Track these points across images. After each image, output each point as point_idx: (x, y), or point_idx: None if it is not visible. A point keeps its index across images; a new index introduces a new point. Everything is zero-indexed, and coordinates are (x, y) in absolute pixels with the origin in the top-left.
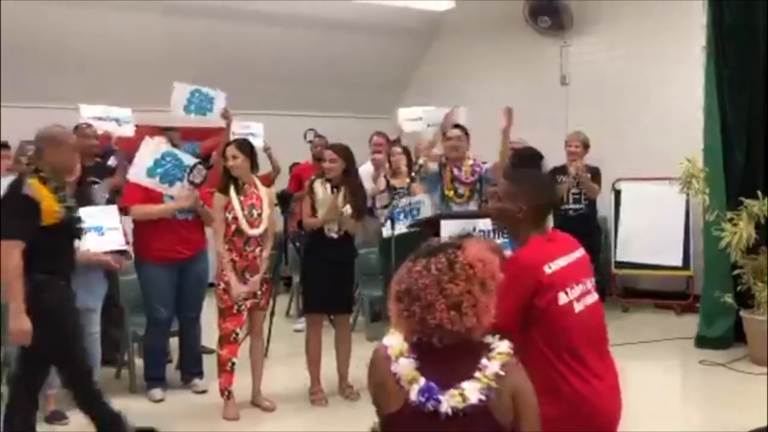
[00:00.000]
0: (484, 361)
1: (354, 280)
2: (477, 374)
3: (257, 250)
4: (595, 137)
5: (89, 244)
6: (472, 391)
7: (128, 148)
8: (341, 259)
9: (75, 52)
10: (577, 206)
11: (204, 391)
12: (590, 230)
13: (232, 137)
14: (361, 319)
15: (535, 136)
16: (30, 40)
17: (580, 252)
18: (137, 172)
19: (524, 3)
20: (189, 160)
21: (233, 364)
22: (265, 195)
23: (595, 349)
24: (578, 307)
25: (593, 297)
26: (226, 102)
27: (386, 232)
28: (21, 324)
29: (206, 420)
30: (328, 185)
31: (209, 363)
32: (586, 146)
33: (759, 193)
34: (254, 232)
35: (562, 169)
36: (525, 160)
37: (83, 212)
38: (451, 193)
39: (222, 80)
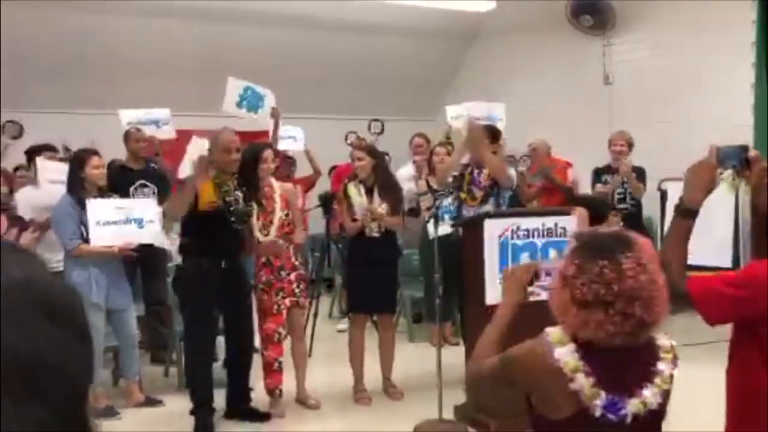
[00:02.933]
0: (660, 365)
1: (397, 280)
2: (656, 379)
3: (291, 248)
4: (639, 137)
5: (126, 236)
6: (652, 397)
7: (170, 152)
8: (384, 258)
9: (113, 59)
10: (623, 206)
11: (250, 389)
12: (638, 230)
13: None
14: (403, 321)
15: (578, 135)
16: (68, 48)
17: None
18: (187, 171)
19: (566, 2)
20: None
21: (280, 363)
22: (279, 196)
23: None
24: None
25: None
26: (274, 101)
27: (431, 232)
28: None
29: (252, 417)
30: (362, 187)
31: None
32: (630, 145)
33: None
34: (265, 240)
35: (606, 169)
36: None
37: (123, 204)
38: (465, 195)
39: (262, 84)
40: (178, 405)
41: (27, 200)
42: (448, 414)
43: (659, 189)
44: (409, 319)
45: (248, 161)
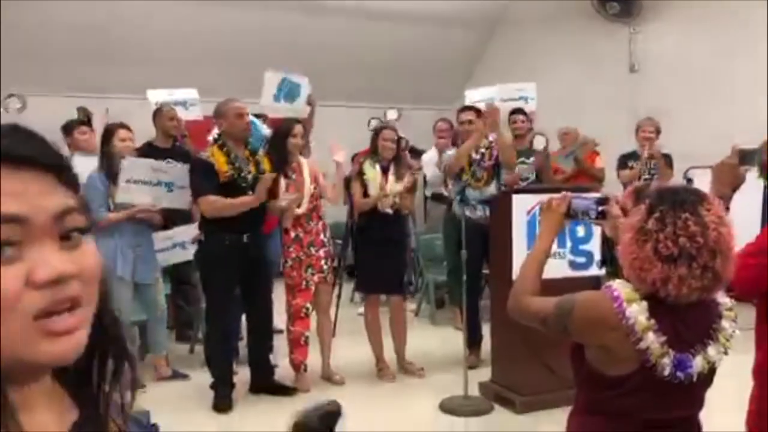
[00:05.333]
0: (723, 323)
1: (406, 261)
2: (719, 337)
3: (320, 224)
4: (666, 125)
5: (153, 196)
6: (716, 354)
7: (196, 136)
8: (394, 237)
9: (141, 43)
10: None
11: (275, 366)
12: None
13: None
14: (425, 305)
15: (603, 123)
16: (97, 33)
17: None
18: None
19: None
20: (266, 131)
21: (307, 338)
22: (308, 172)
23: None
24: None
25: None
26: (310, 89)
27: (458, 211)
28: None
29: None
30: (378, 165)
31: (276, 341)
32: (659, 132)
33: None
34: (299, 211)
35: (632, 155)
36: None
37: (159, 166)
38: (468, 176)
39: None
40: (204, 379)
41: None
42: (473, 391)
43: (685, 177)
44: (432, 303)
45: (279, 134)
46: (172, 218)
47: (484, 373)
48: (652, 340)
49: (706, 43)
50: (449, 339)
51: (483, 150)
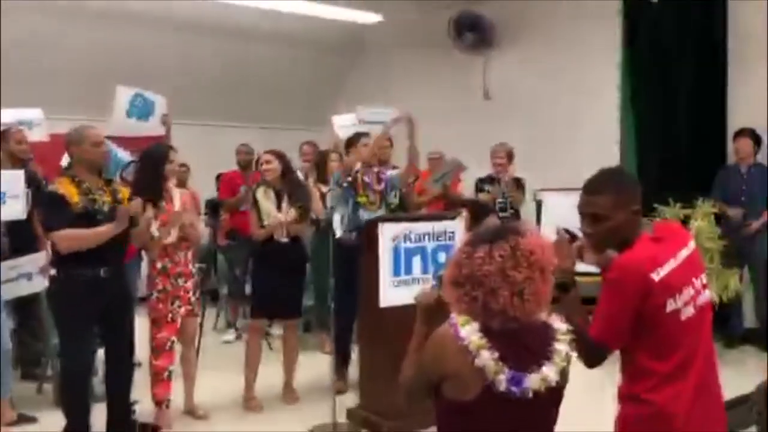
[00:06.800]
0: (556, 345)
1: (303, 285)
2: (554, 358)
3: (189, 254)
4: (517, 149)
5: None
6: (551, 373)
7: (42, 157)
8: (292, 264)
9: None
10: (503, 214)
11: (135, 402)
12: None
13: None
14: None
15: (459, 148)
16: None
17: (688, 249)
18: None
19: (450, 19)
20: (125, 157)
21: (170, 372)
22: (178, 199)
23: (698, 358)
24: (685, 314)
25: (703, 297)
26: (166, 107)
27: (337, 230)
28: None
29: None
30: (271, 192)
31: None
32: (510, 157)
33: (670, 200)
34: (169, 240)
35: (488, 179)
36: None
37: None
38: (364, 199)
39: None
40: (53, 422)
41: None
42: (342, 418)
43: (535, 199)
44: (300, 327)
45: (152, 160)
46: (16, 245)
47: (351, 400)
48: (486, 358)
49: (553, 72)
50: (316, 365)
51: (372, 176)
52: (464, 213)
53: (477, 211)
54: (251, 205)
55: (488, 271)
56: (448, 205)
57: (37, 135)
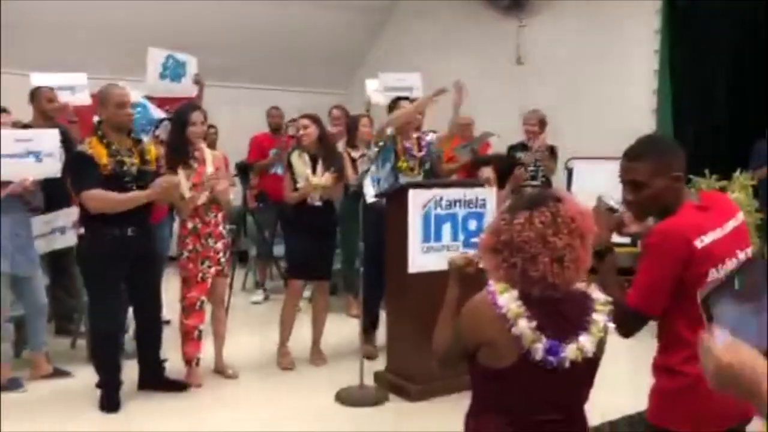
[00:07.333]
0: (594, 315)
1: (333, 248)
2: (592, 328)
3: (219, 215)
4: (550, 116)
5: (22, 170)
6: (588, 344)
7: (86, 118)
8: (324, 227)
9: (37, 18)
10: (534, 183)
11: (164, 360)
12: None
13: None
14: None
15: (490, 114)
16: None
17: (736, 220)
18: None
19: None
20: (158, 114)
21: (200, 332)
22: (210, 161)
23: None
24: None
25: None
26: (197, 67)
27: (368, 196)
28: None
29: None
30: (306, 156)
31: (165, 333)
32: (543, 124)
33: (706, 171)
34: (200, 201)
35: (519, 146)
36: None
37: (23, 135)
38: (404, 165)
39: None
40: (87, 377)
41: None
42: (369, 380)
43: (566, 167)
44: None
45: (177, 122)
46: (49, 201)
47: (379, 363)
48: (524, 326)
49: (588, 38)
50: (343, 327)
51: (412, 141)
52: (486, 170)
53: (502, 166)
54: (285, 169)
55: (528, 237)
56: (473, 164)
57: (80, 99)
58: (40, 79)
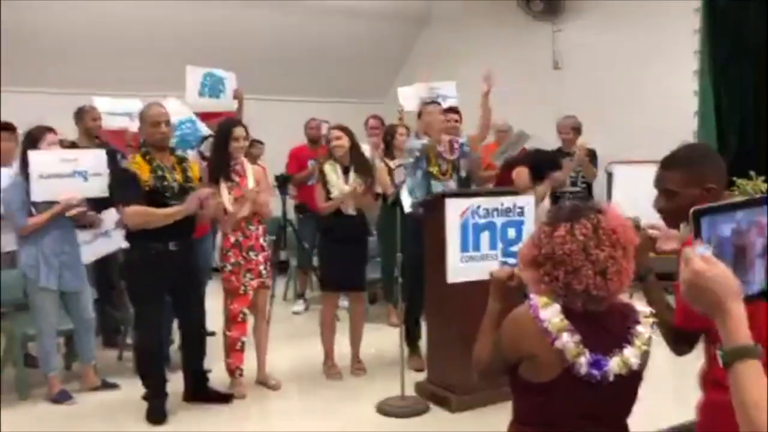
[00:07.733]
0: (638, 327)
1: (367, 258)
2: (635, 341)
3: (260, 229)
4: (588, 120)
5: (69, 190)
6: (632, 357)
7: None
8: (357, 236)
9: (80, 38)
10: (575, 189)
11: (208, 371)
12: None
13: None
14: None
15: (527, 119)
16: (36, 27)
17: None
18: None
19: None
20: (205, 130)
21: (243, 343)
22: (252, 174)
23: None
24: None
25: None
26: (237, 83)
27: (406, 205)
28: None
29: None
30: (338, 166)
31: (210, 344)
32: (577, 131)
33: (752, 173)
34: (243, 212)
35: (557, 153)
36: (539, 165)
37: (69, 155)
38: (436, 169)
39: (218, 66)
40: (134, 389)
41: None
42: (410, 391)
43: (606, 171)
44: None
45: (219, 138)
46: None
47: (420, 374)
48: (567, 340)
49: (626, 41)
50: (383, 337)
51: (445, 144)
52: (519, 170)
53: (536, 166)
54: (318, 179)
55: (570, 249)
56: (506, 167)
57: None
58: (102, 103)
